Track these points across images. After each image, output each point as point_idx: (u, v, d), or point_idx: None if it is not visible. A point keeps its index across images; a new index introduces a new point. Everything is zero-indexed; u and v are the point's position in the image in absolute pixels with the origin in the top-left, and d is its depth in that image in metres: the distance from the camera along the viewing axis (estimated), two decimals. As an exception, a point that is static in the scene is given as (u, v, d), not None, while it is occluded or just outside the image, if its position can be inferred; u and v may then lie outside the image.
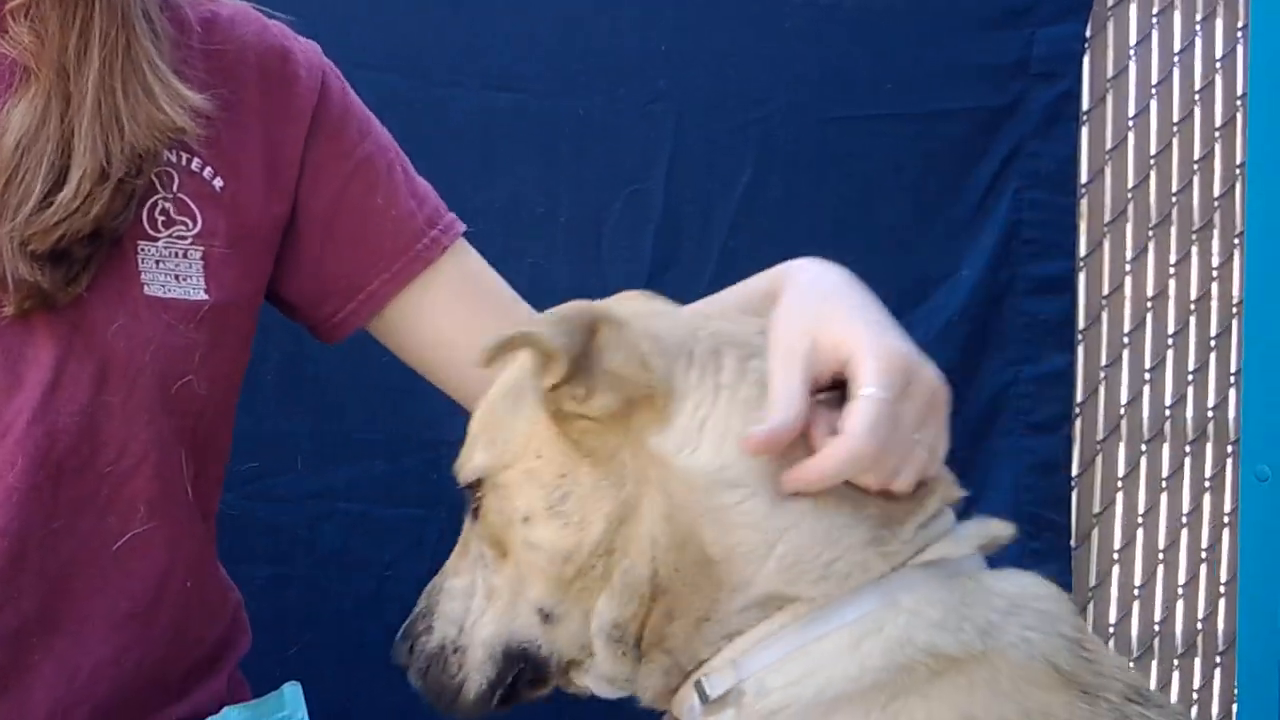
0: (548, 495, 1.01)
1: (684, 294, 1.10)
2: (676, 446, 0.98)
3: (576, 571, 1.00)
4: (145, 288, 1.19)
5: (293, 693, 1.27)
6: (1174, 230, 2.45)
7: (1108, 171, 2.42)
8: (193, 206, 1.22)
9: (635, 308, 1.07)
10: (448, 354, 1.33)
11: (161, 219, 1.20)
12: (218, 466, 1.32)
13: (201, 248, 1.22)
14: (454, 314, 1.33)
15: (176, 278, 1.21)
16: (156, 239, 1.20)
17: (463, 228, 1.37)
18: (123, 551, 1.19)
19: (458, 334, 1.31)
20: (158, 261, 1.20)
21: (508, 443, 1.04)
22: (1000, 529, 1.04)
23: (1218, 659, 2.49)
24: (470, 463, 1.07)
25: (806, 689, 0.95)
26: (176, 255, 1.21)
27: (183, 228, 1.21)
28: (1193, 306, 2.46)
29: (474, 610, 1.07)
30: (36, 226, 1.11)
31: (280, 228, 1.30)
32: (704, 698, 0.99)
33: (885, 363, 0.98)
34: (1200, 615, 2.50)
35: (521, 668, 1.05)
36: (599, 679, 1.04)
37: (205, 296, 1.22)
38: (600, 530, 0.99)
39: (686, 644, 1.00)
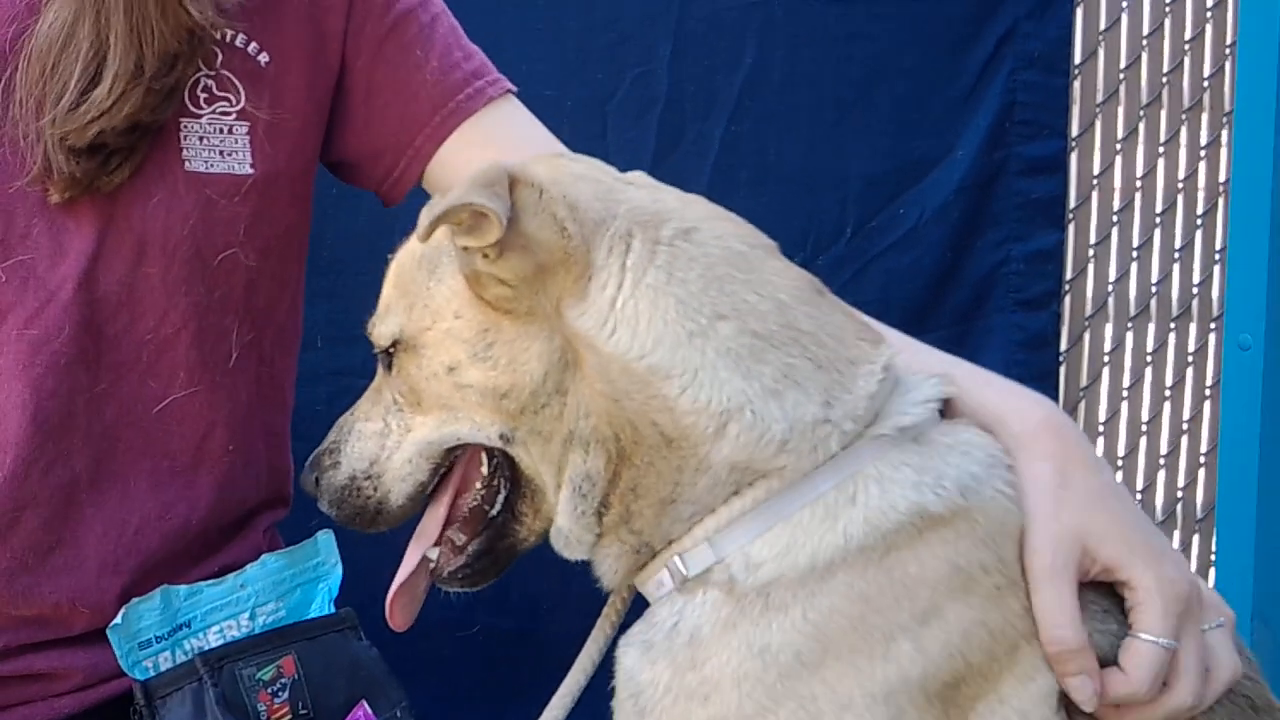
0: (471, 347, 1.00)
1: (688, 176, 1.13)
2: (597, 324, 0.97)
3: (520, 408, 1.00)
4: (186, 163, 1.22)
5: (326, 540, 1.32)
6: (1164, 111, 2.47)
7: (1100, 52, 2.43)
8: (236, 82, 1.25)
9: (554, 168, 1.04)
10: None
11: (204, 95, 1.23)
12: (281, 334, 1.36)
13: (247, 123, 1.25)
14: None
15: (221, 153, 1.24)
16: (200, 115, 1.23)
17: (512, 87, 1.37)
18: (164, 414, 1.26)
19: None
20: (201, 138, 1.23)
21: (426, 307, 1.03)
22: (945, 388, 1.05)
23: (1196, 526, 2.55)
24: (383, 327, 1.07)
25: (800, 558, 0.95)
26: (221, 131, 1.24)
27: (225, 104, 1.24)
28: (1181, 185, 2.48)
29: (388, 448, 1.07)
30: (72, 124, 1.15)
31: (328, 98, 1.32)
32: (680, 575, 0.99)
33: (1170, 604, 0.98)
34: (1180, 485, 2.56)
35: (499, 483, 1.06)
36: (557, 532, 1.04)
37: (250, 171, 1.25)
38: (539, 370, 0.99)
39: (655, 524, 1.00)
